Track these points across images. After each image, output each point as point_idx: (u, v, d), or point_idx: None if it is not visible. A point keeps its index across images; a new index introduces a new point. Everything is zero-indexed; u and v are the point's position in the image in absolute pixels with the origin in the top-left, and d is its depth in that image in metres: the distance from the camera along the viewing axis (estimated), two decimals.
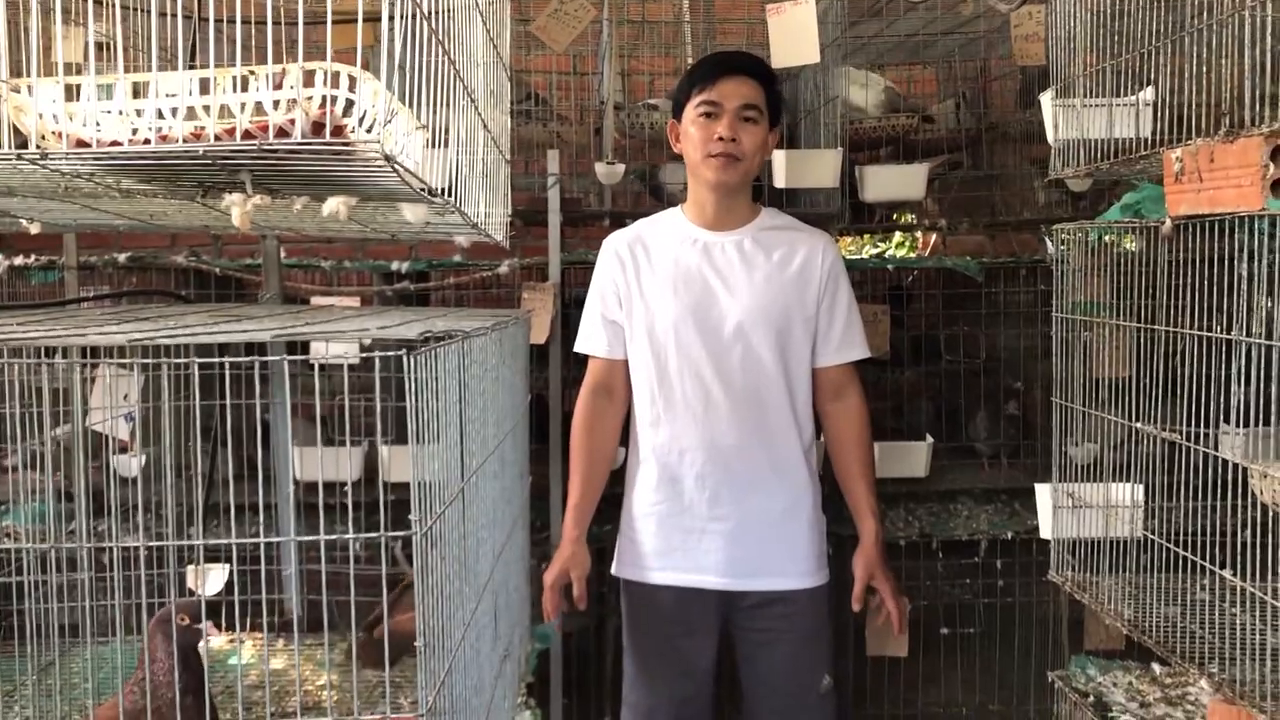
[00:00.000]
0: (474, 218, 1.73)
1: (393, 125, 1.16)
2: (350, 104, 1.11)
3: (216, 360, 1.38)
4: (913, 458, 3.35)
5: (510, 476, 2.20)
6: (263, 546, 2.42)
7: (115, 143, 1.14)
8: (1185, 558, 1.99)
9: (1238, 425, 1.76)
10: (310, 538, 1.56)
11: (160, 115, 1.12)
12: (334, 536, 1.46)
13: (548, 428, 3.19)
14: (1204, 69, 1.71)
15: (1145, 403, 2.06)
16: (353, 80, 1.11)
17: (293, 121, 1.09)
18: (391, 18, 1.12)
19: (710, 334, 2.34)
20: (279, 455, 2.61)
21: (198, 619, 1.63)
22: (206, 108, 1.12)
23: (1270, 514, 1.74)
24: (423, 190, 1.36)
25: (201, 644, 1.65)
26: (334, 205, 1.43)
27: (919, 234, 4.36)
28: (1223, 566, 1.88)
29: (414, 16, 1.21)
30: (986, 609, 3.54)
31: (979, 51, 3.91)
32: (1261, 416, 1.72)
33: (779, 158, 3.16)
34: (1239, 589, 1.81)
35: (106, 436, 2.68)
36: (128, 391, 2.70)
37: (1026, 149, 3.76)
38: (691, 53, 3.72)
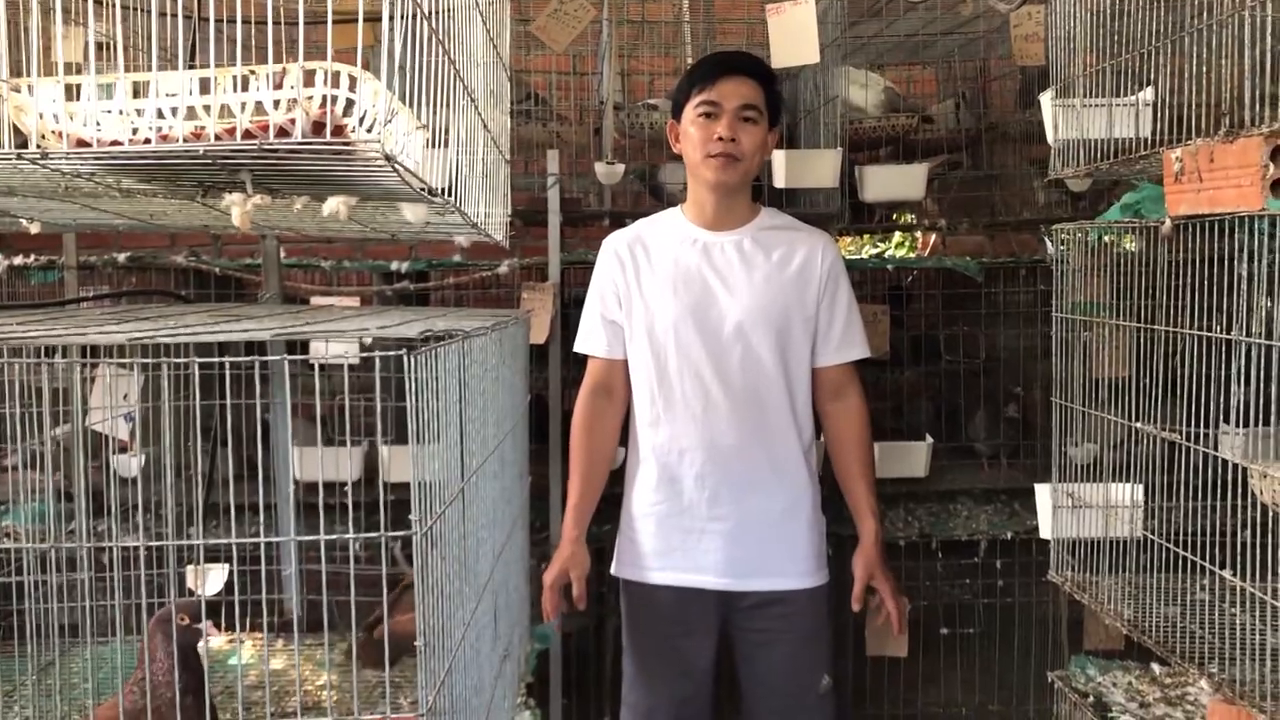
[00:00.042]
0: (474, 218, 1.73)
1: (393, 125, 1.16)
2: (351, 104, 1.11)
3: (216, 360, 1.38)
4: (912, 458, 3.35)
5: (510, 476, 2.20)
6: (263, 546, 2.42)
7: (115, 142, 1.14)
8: (1185, 558, 1.99)
9: (1237, 425, 1.76)
10: (310, 537, 1.55)
11: (160, 115, 1.12)
12: (334, 536, 1.46)
13: (547, 428, 3.19)
14: (1204, 69, 1.71)
15: (1145, 403, 2.06)
16: (353, 80, 1.11)
17: (293, 121, 1.09)
18: (392, 18, 1.12)
19: (710, 334, 2.34)
20: (279, 455, 2.61)
21: (198, 619, 1.63)
22: (207, 107, 1.12)
23: (1270, 514, 1.74)
24: (423, 190, 1.36)
25: (201, 644, 1.65)
26: (334, 205, 1.43)
27: (919, 234, 4.36)
28: (1222, 566, 1.88)
29: (414, 16, 1.21)
30: (986, 609, 3.54)
31: (979, 51, 3.91)
32: (1261, 416, 1.72)
33: (779, 158, 3.16)
34: (1239, 589, 1.81)
35: (106, 436, 2.67)
36: (127, 391, 2.70)
37: (1026, 149, 3.76)
38: (691, 53, 3.72)
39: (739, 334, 2.34)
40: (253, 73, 1.11)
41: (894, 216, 3.90)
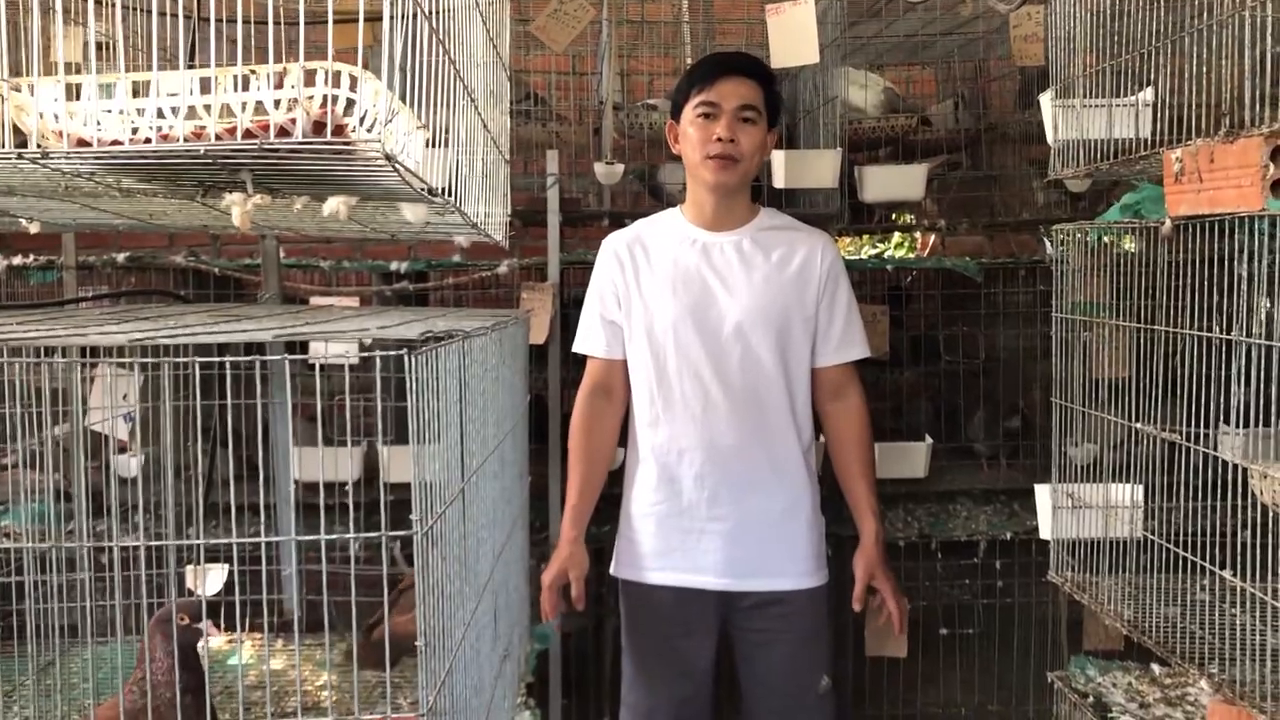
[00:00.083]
0: (474, 218, 1.73)
1: (393, 125, 1.16)
2: (351, 103, 1.11)
3: (216, 360, 1.38)
4: (912, 458, 3.35)
5: (510, 476, 2.20)
6: (263, 546, 2.42)
7: (116, 142, 1.14)
8: (1185, 558, 1.99)
9: (1237, 426, 1.76)
10: (310, 537, 1.55)
11: (161, 114, 1.12)
12: (334, 536, 1.46)
13: (547, 428, 3.19)
14: (1204, 69, 1.71)
15: (1145, 403, 2.06)
16: (354, 80, 1.11)
17: (294, 121, 1.09)
18: (392, 18, 1.12)
19: (709, 334, 2.34)
20: (279, 455, 2.61)
21: (198, 619, 1.63)
22: (207, 107, 1.12)
23: (1270, 514, 1.75)
24: (423, 190, 1.36)
25: (201, 644, 1.65)
26: (334, 205, 1.43)
27: (918, 234, 4.36)
28: (1222, 567, 1.88)
29: (414, 16, 1.21)
30: (986, 609, 3.54)
31: (978, 52, 3.92)
32: (1261, 417, 1.72)
33: (778, 158, 3.16)
34: (1239, 589, 1.81)
35: (106, 436, 2.67)
36: (127, 391, 2.70)
37: (1025, 149, 3.76)
38: (691, 53, 3.72)
39: (738, 334, 2.34)
40: (253, 72, 1.11)
41: (893, 217, 3.90)
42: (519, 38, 3.32)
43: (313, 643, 2.40)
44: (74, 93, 1.16)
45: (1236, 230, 1.82)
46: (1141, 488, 2.19)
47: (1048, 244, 3.00)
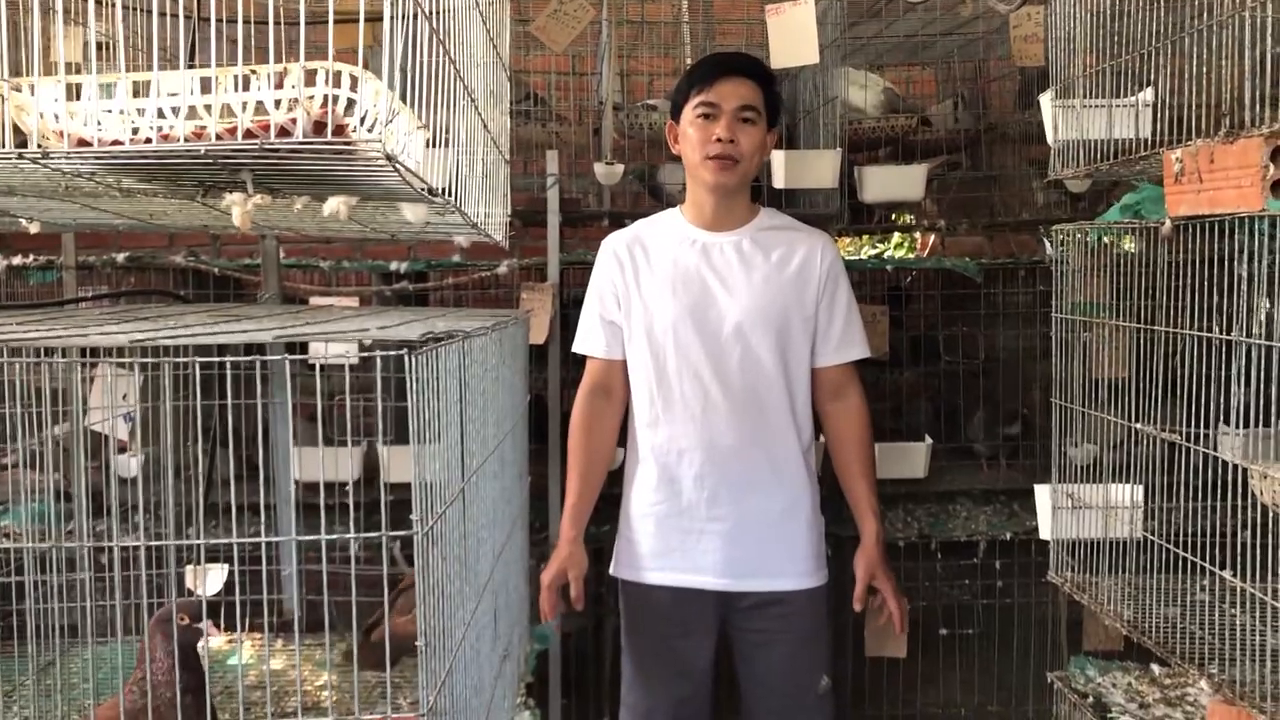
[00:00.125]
0: (474, 218, 1.73)
1: (394, 125, 1.16)
2: (352, 103, 1.11)
3: (216, 360, 1.38)
4: (912, 459, 3.35)
5: (510, 476, 2.20)
6: (263, 546, 2.42)
7: (116, 142, 1.14)
8: (1185, 558, 1.99)
9: (1237, 426, 1.76)
10: (310, 537, 1.55)
11: (161, 114, 1.12)
12: (334, 536, 1.46)
13: (546, 428, 3.19)
14: (1204, 70, 1.71)
15: (1145, 403, 2.06)
16: (354, 80, 1.11)
17: (294, 121, 1.09)
18: (392, 18, 1.12)
19: (709, 335, 2.34)
20: (279, 455, 2.61)
21: (198, 618, 1.63)
22: (208, 107, 1.12)
23: (1270, 515, 1.75)
24: (423, 190, 1.36)
25: (201, 644, 1.65)
26: (334, 205, 1.43)
27: (918, 235, 4.36)
28: (1222, 567, 1.88)
29: (414, 16, 1.21)
30: (985, 610, 3.54)
31: (978, 52, 3.92)
32: (1261, 417, 1.72)
33: (778, 158, 3.16)
34: (1239, 590, 1.81)
35: (106, 436, 2.67)
36: (127, 391, 2.70)
37: (1025, 150, 3.76)
38: (690, 53, 3.72)
39: (738, 334, 2.34)
40: (254, 72, 1.11)
41: (893, 217, 3.90)
42: (519, 38, 3.32)
43: (313, 643, 2.40)
44: (74, 93, 1.16)
45: (1236, 230, 1.82)
46: (1141, 488, 2.19)
47: (1047, 244, 3.00)
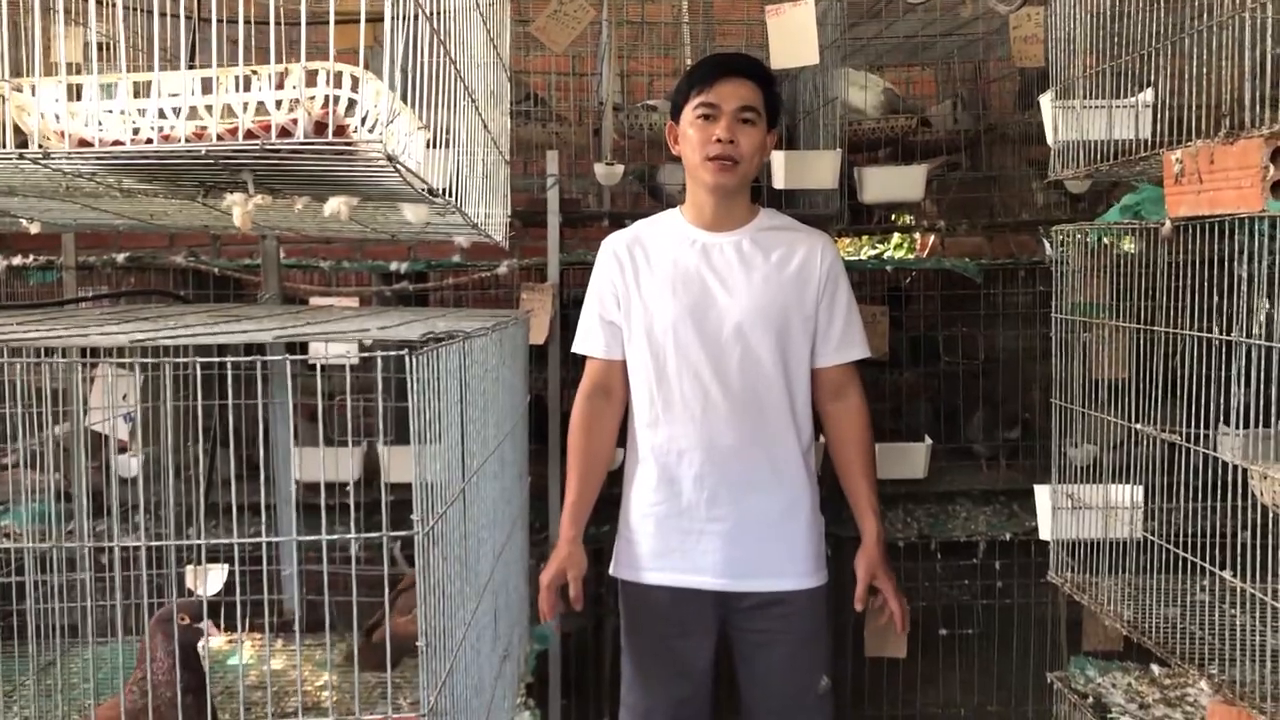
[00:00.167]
0: (474, 218, 1.74)
1: (395, 125, 1.16)
2: (353, 104, 1.11)
3: (217, 360, 1.38)
4: (911, 459, 3.35)
5: (510, 477, 2.20)
6: (263, 546, 2.42)
7: (117, 142, 1.14)
8: (1185, 559, 1.99)
9: (1237, 426, 1.76)
10: (310, 538, 1.55)
11: (162, 115, 1.12)
12: (335, 536, 1.46)
13: (546, 428, 3.19)
14: (1204, 71, 1.71)
15: (1145, 404, 2.06)
16: (355, 80, 1.11)
17: (295, 121, 1.09)
18: (393, 18, 1.12)
19: (709, 335, 2.34)
20: (279, 455, 2.61)
21: (198, 618, 1.63)
22: (209, 107, 1.12)
23: (1270, 515, 1.75)
24: (424, 190, 1.36)
25: (201, 644, 1.65)
26: (335, 205, 1.43)
27: (917, 235, 4.36)
28: (1222, 567, 1.88)
29: (415, 17, 1.21)
30: (985, 610, 3.54)
31: (978, 53, 3.92)
32: (1261, 418, 1.72)
33: (778, 159, 3.16)
34: (1239, 590, 1.81)
35: (106, 436, 2.67)
36: (127, 391, 2.70)
37: (1025, 150, 3.76)
38: (690, 54, 3.73)
39: (738, 335, 2.34)
40: (255, 73, 1.11)
41: (893, 218, 3.90)
42: (519, 38, 3.32)
43: (313, 643, 2.40)
44: (75, 93, 1.16)
45: (1236, 231, 1.82)
46: (1141, 488, 2.19)
47: (1047, 245, 3.00)
